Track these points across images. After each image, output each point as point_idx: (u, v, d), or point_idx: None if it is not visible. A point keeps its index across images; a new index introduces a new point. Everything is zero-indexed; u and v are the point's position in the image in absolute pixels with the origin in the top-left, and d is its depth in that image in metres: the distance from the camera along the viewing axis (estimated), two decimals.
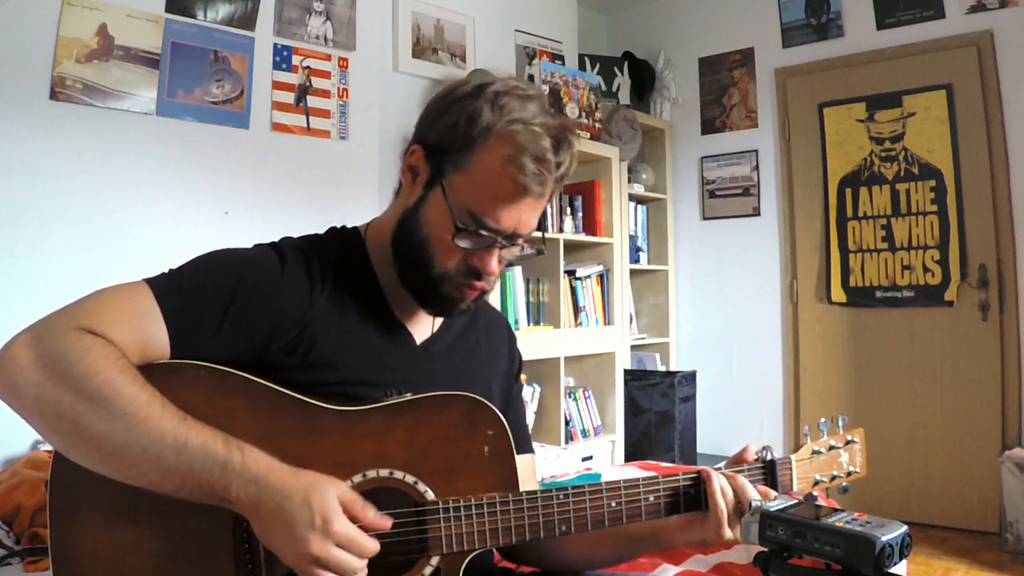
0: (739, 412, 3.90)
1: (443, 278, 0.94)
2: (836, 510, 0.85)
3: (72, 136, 2.20)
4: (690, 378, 3.66)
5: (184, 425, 0.79)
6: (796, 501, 0.90)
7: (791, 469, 1.07)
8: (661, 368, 3.90)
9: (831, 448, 1.12)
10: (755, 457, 1.06)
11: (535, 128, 0.89)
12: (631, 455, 3.52)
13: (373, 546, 0.81)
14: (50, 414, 0.78)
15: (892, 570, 0.77)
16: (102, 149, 2.26)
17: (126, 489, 0.80)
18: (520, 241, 0.95)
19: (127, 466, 0.78)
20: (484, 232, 0.91)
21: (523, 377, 1.25)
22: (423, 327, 1.04)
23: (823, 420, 1.13)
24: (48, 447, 2.00)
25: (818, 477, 1.10)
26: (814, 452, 1.10)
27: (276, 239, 0.99)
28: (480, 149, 0.90)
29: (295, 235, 1.01)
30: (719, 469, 1.01)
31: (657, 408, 3.55)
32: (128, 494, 0.80)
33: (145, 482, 0.79)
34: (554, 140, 0.90)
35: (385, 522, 0.83)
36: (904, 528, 0.79)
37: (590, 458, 3.20)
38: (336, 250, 0.99)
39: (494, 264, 0.93)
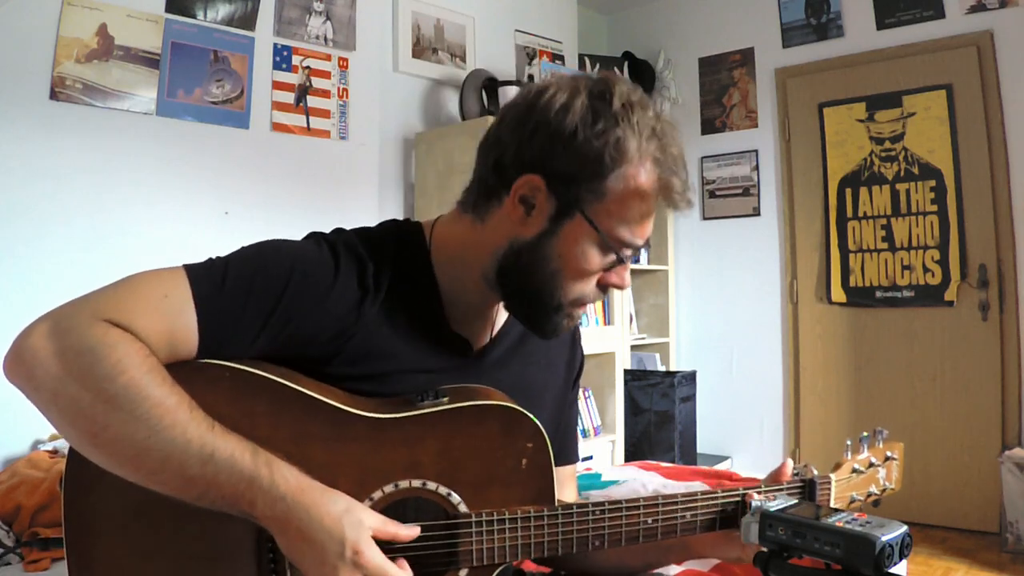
0: (739, 412, 3.90)
1: (573, 304, 0.91)
2: (836, 510, 0.85)
3: (72, 136, 2.20)
4: (690, 378, 3.66)
5: (212, 433, 0.75)
6: (796, 501, 0.90)
7: (830, 488, 1.04)
8: (661, 368, 3.90)
9: (871, 465, 1.09)
10: (794, 473, 1.02)
11: (668, 142, 0.88)
12: (631, 455, 3.51)
13: None
14: (69, 410, 0.74)
15: (892, 570, 0.77)
16: (102, 149, 2.26)
17: (143, 491, 0.77)
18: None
19: (148, 471, 0.75)
20: (630, 252, 0.89)
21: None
22: (481, 333, 0.99)
23: (864, 434, 1.10)
24: (48, 447, 2.00)
25: (855, 496, 1.07)
26: (854, 471, 1.07)
27: (328, 231, 0.94)
28: (622, 173, 0.85)
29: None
30: (758, 489, 0.98)
31: (657, 408, 3.55)
32: (146, 496, 0.78)
33: (166, 488, 0.75)
34: (681, 148, 0.91)
35: (414, 531, 0.82)
36: (904, 528, 0.79)
37: (590, 458, 3.20)
38: (394, 251, 0.93)
39: (627, 280, 0.92)
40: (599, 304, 3.37)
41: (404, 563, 0.81)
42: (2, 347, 0.78)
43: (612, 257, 0.88)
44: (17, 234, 2.10)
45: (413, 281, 0.93)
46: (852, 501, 1.07)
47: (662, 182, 0.87)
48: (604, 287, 0.91)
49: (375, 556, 0.77)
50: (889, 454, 1.12)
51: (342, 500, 0.78)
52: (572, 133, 0.84)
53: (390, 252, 0.92)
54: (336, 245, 0.89)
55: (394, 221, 1.00)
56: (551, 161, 0.85)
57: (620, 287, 0.92)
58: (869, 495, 1.09)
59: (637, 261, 3.79)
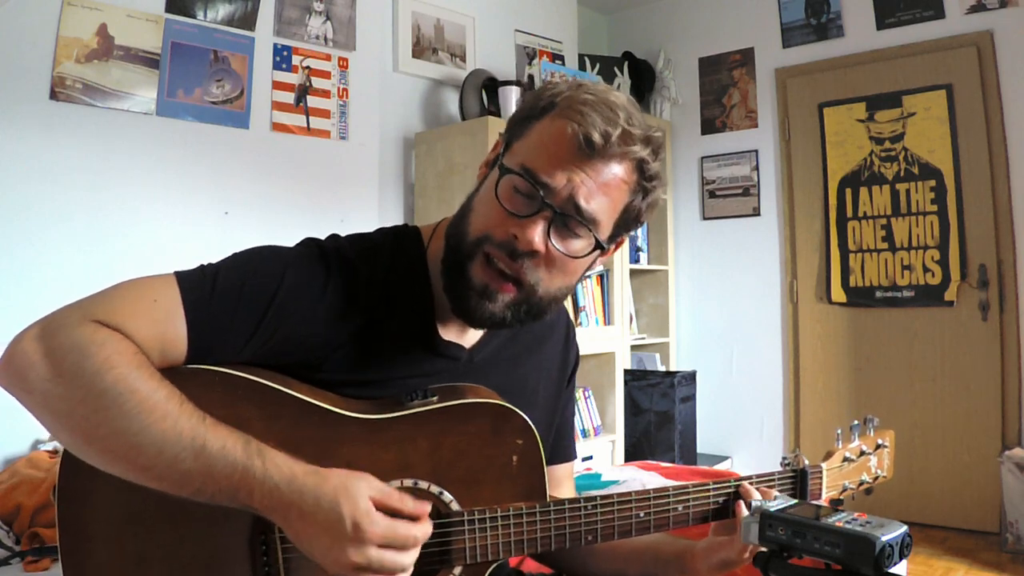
0: (739, 412, 3.90)
1: (475, 248, 0.85)
2: (836, 510, 0.85)
3: (72, 136, 2.20)
4: (690, 378, 3.66)
5: (203, 426, 0.74)
6: (796, 501, 0.90)
7: (821, 478, 1.04)
8: (661, 368, 3.90)
9: (862, 454, 1.09)
10: (785, 463, 1.03)
11: (612, 98, 0.85)
12: (631, 455, 3.51)
13: (420, 532, 0.77)
14: (60, 410, 0.73)
15: (892, 570, 0.77)
16: (102, 149, 2.26)
17: (137, 497, 0.76)
18: (575, 223, 0.84)
19: (142, 467, 0.73)
20: (532, 185, 0.83)
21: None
22: (473, 335, 0.99)
23: (855, 422, 1.10)
24: (48, 447, 2.00)
25: (847, 484, 1.07)
26: (845, 459, 1.07)
27: (323, 237, 0.93)
28: (547, 116, 0.86)
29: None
30: (751, 480, 0.98)
31: (657, 408, 3.55)
32: (139, 502, 0.77)
33: (163, 484, 0.74)
34: (631, 111, 0.85)
35: (424, 507, 0.78)
36: (904, 528, 0.79)
37: (590, 458, 3.20)
38: (388, 259, 0.93)
39: (534, 234, 0.82)
40: (599, 304, 3.37)
41: (422, 512, 0.78)
42: (2, 347, 0.78)
43: (515, 188, 0.84)
44: (17, 234, 2.10)
45: (406, 288, 0.93)
46: (844, 490, 1.07)
47: (575, 113, 0.83)
48: (510, 243, 0.84)
49: (379, 524, 0.74)
50: (880, 442, 1.13)
51: (335, 477, 0.75)
52: (526, 101, 0.91)
53: (384, 260, 0.92)
54: (328, 253, 0.89)
55: (394, 227, 1.00)
56: (508, 126, 0.92)
57: (522, 241, 0.83)
58: (861, 483, 1.10)
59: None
